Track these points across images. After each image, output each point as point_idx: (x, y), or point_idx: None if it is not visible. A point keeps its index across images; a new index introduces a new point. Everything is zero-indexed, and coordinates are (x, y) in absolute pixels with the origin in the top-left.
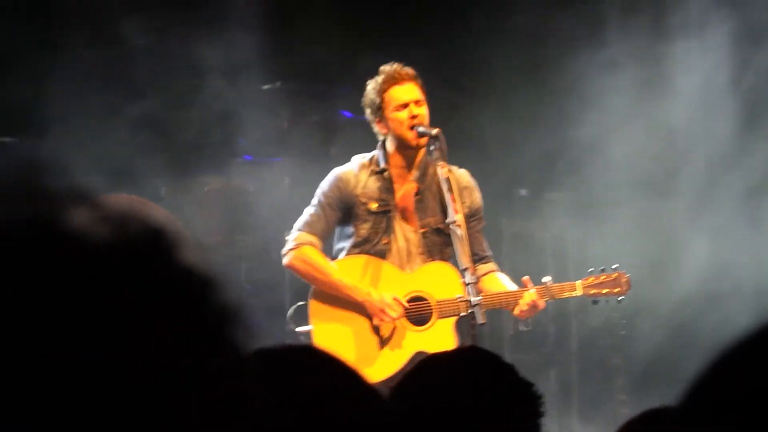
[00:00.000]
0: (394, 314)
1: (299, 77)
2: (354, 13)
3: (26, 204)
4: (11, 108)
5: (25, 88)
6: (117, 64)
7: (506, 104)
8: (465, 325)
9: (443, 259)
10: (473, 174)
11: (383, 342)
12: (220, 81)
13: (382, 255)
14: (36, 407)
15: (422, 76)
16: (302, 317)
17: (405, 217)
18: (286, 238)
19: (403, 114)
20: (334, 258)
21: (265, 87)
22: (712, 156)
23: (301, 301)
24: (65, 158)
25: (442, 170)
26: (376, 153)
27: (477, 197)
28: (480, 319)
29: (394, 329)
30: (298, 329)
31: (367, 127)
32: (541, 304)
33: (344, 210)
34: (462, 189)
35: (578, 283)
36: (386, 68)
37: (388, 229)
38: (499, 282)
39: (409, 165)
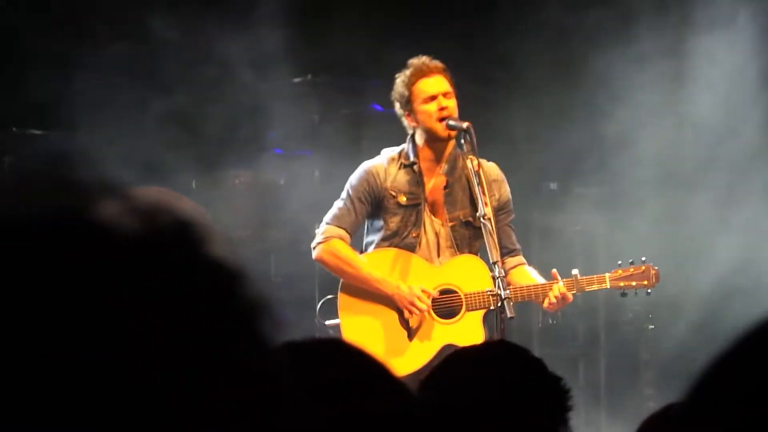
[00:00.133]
0: (423, 306)
1: (330, 70)
2: (385, 6)
3: (56, 196)
4: (41, 102)
5: (54, 82)
6: (147, 59)
7: (536, 98)
8: (494, 318)
9: (472, 252)
10: (503, 168)
11: (412, 335)
12: (250, 74)
13: (412, 248)
14: (67, 398)
15: (452, 70)
16: (331, 310)
17: (434, 211)
18: (316, 231)
19: (432, 106)
20: (363, 251)
21: (296, 80)
22: (739, 151)
23: (331, 294)
24: (95, 151)
25: (472, 163)
26: (405, 146)
27: (506, 190)
28: (509, 313)
29: (422, 322)
30: (327, 322)
31: (397, 120)
32: (570, 296)
33: (373, 203)
34: (491, 182)
35: (607, 275)
36: (414, 61)
37: (418, 223)
38: (527, 275)
39: (438, 158)
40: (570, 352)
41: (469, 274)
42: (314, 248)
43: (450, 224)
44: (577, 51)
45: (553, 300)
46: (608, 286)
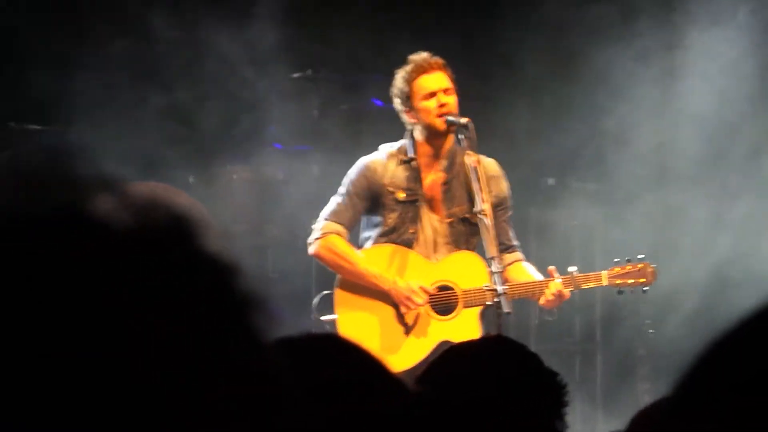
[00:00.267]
0: (420, 301)
1: (330, 66)
2: (385, 2)
3: (52, 190)
4: (40, 98)
5: (53, 78)
6: (146, 55)
7: (535, 94)
8: (491, 314)
9: (469, 248)
10: (501, 163)
11: (408, 331)
12: (250, 70)
13: (409, 244)
14: (64, 390)
15: (452, 66)
16: (328, 306)
17: (432, 207)
18: (313, 226)
19: (432, 103)
20: (360, 247)
21: (296, 75)
22: (736, 146)
23: (327, 290)
24: (93, 147)
25: (471, 159)
26: (404, 142)
27: (504, 187)
28: (506, 308)
29: (419, 318)
30: (323, 318)
31: (397, 116)
32: (567, 293)
33: (371, 199)
34: (489, 178)
35: (604, 273)
36: (414, 58)
37: (415, 219)
38: (525, 271)
39: (437, 154)
40: (566, 347)
41: (466, 271)
42: (311, 244)
43: (448, 221)
44: (577, 47)
45: (550, 297)
46: (605, 284)
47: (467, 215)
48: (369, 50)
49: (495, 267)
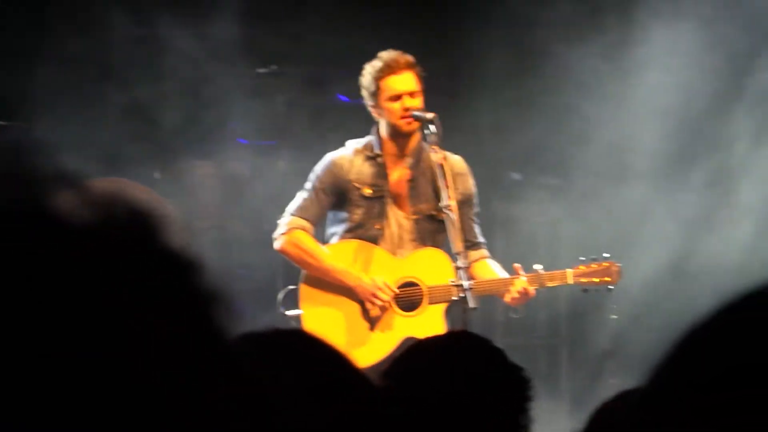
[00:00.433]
0: (385, 297)
1: (295, 61)
2: None
3: (10, 186)
4: (1, 93)
5: (14, 74)
6: (110, 51)
7: (500, 90)
8: (455, 311)
9: (435, 245)
10: (467, 158)
11: (373, 327)
12: (215, 65)
13: (375, 240)
14: (19, 388)
15: (416, 61)
16: (293, 301)
17: (398, 203)
18: (278, 221)
19: (396, 105)
20: (325, 243)
21: (261, 71)
22: (699, 142)
23: (293, 285)
24: (55, 143)
25: (437, 156)
26: (370, 138)
27: (470, 184)
28: (472, 303)
29: (383, 314)
30: (288, 313)
31: (363, 111)
32: (532, 291)
33: (337, 195)
34: (456, 175)
35: (569, 271)
36: (385, 56)
37: (381, 215)
38: (490, 269)
39: (402, 151)
40: (532, 342)
41: (431, 268)
42: (276, 239)
43: (413, 217)
44: (541, 43)
45: (516, 295)
46: (570, 283)
47: (433, 212)
48: (334, 45)
49: (461, 262)
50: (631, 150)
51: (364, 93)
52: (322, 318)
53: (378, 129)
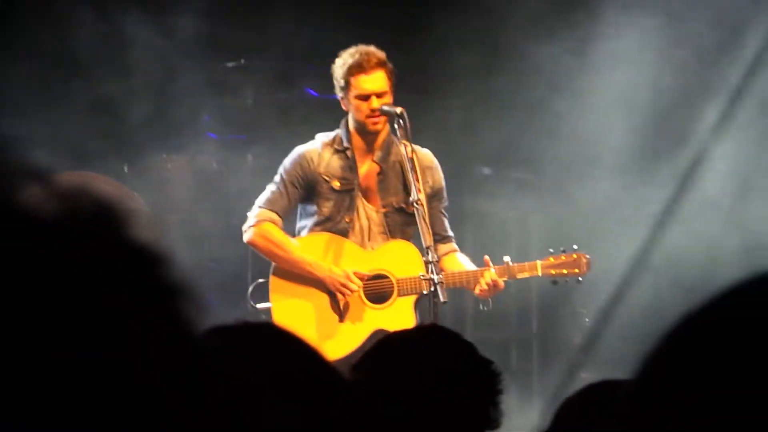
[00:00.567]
0: (354, 287)
1: (263, 55)
2: None
3: None
4: None
5: None
6: (78, 46)
7: (469, 85)
8: (425, 303)
9: (405, 238)
10: (437, 153)
11: (343, 319)
12: (183, 59)
13: (344, 233)
14: None
15: (387, 56)
16: (263, 294)
17: (367, 196)
18: (247, 214)
19: (364, 105)
20: (295, 236)
21: (229, 65)
22: (666, 135)
23: (263, 278)
24: (22, 138)
25: (406, 149)
26: (339, 132)
27: (439, 177)
28: (442, 297)
29: (353, 306)
30: (258, 306)
31: (332, 105)
32: (501, 283)
33: (307, 188)
34: (425, 169)
35: (538, 263)
36: (357, 52)
37: (351, 208)
38: (458, 262)
39: (371, 145)
40: (503, 336)
41: (401, 260)
42: (245, 231)
43: (383, 210)
44: (511, 38)
45: (485, 287)
46: (540, 274)
47: (402, 205)
48: (303, 39)
49: (431, 255)
50: (600, 144)
51: (335, 83)
52: (291, 310)
53: (347, 122)
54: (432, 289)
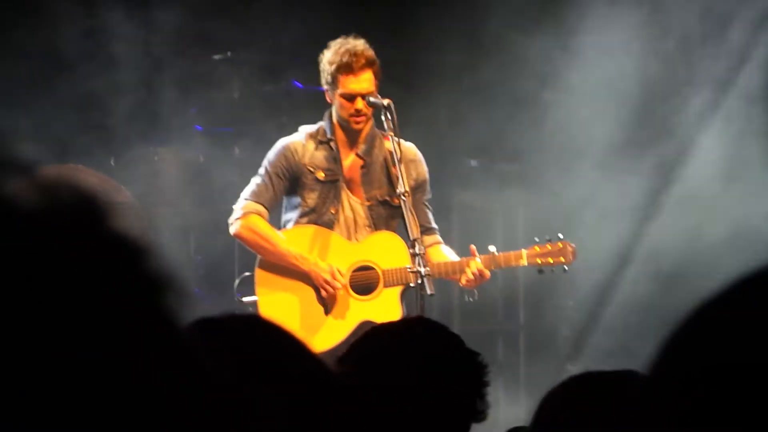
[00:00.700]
0: (338, 284)
1: (250, 47)
2: None
3: None
4: None
5: None
6: (64, 39)
7: (456, 78)
8: (412, 295)
9: (389, 230)
10: (424, 145)
11: (329, 311)
12: (170, 52)
13: (330, 225)
14: None
15: (373, 50)
16: (249, 288)
17: (351, 188)
18: (233, 207)
19: (349, 104)
20: (281, 229)
21: (216, 57)
22: (651, 127)
23: (250, 272)
24: (7, 132)
25: (393, 141)
26: (323, 124)
27: (423, 170)
28: (429, 290)
29: (339, 298)
30: (244, 299)
31: (318, 98)
32: (487, 273)
33: (291, 179)
34: (408, 162)
35: (524, 252)
36: (346, 53)
37: (336, 199)
38: (443, 254)
39: (354, 138)
40: (490, 328)
41: (386, 251)
42: (231, 224)
43: (368, 203)
44: (497, 31)
45: (471, 276)
46: (525, 263)
47: (387, 197)
48: (290, 32)
49: (417, 248)
50: (586, 136)
51: (321, 76)
52: (277, 302)
53: (331, 114)
54: (419, 281)
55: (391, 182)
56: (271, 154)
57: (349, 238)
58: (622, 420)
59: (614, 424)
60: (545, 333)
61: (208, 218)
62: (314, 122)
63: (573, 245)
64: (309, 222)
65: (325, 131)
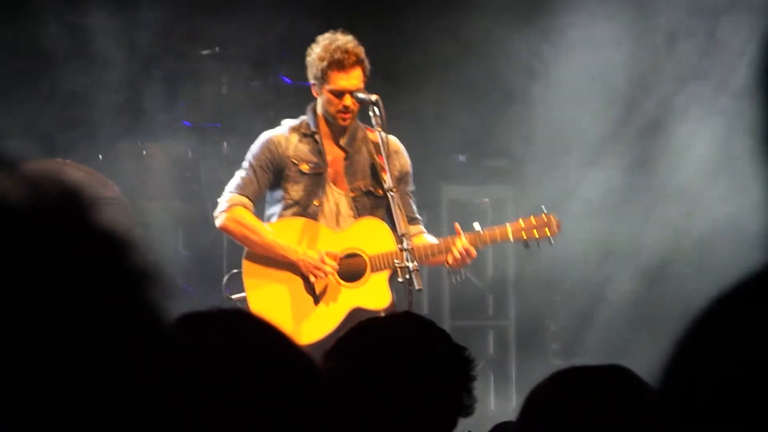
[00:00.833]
0: (328, 269)
1: (238, 42)
2: None
3: None
4: None
5: None
6: (50, 34)
7: (443, 72)
8: (400, 287)
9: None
10: (412, 140)
11: (318, 300)
12: (159, 47)
13: (314, 217)
14: None
15: (360, 44)
16: (238, 284)
17: (335, 180)
18: (218, 200)
19: (337, 100)
20: (267, 223)
21: (204, 52)
22: (637, 121)
23: (238, 268)
24: None
25: (381, 136)
26: (306, 117)
27: (406, 161)
28: (417, 285)
29: (328, 287)
30: (233, 297)
31: (306, 92)
32: (473, 251)
33: (275, 172)
34: (392, 153)
35: (508, 226)
36: (337, 50)
37: (320, 191)
38: (427, 242)
39: (338, 130)
40: (480, 324)
41: (371, 237)
42: (217, 217)
43: (352, 194)
44: (486, 25)
45: (457, 255)
46: (511, 238)
47: (371, 188)
48: (278, 28)
49: (406, 244)
50: (574, 131)
51: (309, 70)
52: (266, 294)
53: (314, 107)
54: (407, 276)
55: (375, 173)
56: (255, 147)
57: (333, 229)
58: (608, 414)
59: (600, 419)
60: (535, 328)
61: (197, 213)
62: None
63: (557, 218)
64: (294, 215)
65: (308, 124)
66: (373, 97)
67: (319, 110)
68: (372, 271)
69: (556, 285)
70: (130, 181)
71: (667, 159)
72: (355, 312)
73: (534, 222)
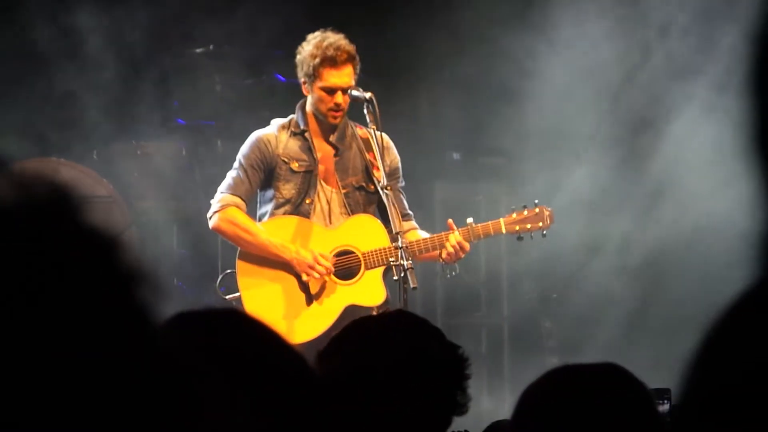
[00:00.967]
0: (322, 269)
1: (232, 41)
2: None
3: None
4: None
5: None
6: (43, 34)
7: (437, 70)
8: (394, 285)
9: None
10: (406, 138)
11: (313, 299)
12: (152, 45)
13: (306, 215)
14: None
15: (353, 44)
16: (232, 283)
17: (326, 178)
18: (211, 201)
19: (328, 98)
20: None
21: (198, 50)
22: (629, 118)
23: (232, 267)
24: None
25: (375, 134)
26: (295, 115)
27: (395, 157)
28: (412, 283)
29: (323, 285)
30: (227, 297)
31: (299, 90)
32: (467, 245)
33: (266, 171)
34: (381, 149)
35: (501, 220)
36: (329, 47)
37: (311, 189)
38: (420, 237)
39: (328, 128)
40: (473, 321)
41: (364, 233)
42: (210, 218)
43: (343, 191)
44: (480, 22)
45: (451, 249)
46: (504, 231)
47: (363, 184)
48: (271, 26)
49: (400, 242)
50: (568, 128)
51: (299, 68)
52: (260, 293)
53: (304, 105)
54: (402, 274)
55: (367, 169)
56: (245, 147)
57: (325, 227)
58: (602, 412)
59: (594, 417)
60: (529, 326)
61: (191, 211)
62: None
63: (549, 209)
64: (285, 213)
65: (297, 123)
66: (367, 95)
67: (309, 108)
68: (366, 268)
69: (549, 282)
70: (125, 180)
71: (659, 156)
72: (350, 309)
73: (527, 214)
